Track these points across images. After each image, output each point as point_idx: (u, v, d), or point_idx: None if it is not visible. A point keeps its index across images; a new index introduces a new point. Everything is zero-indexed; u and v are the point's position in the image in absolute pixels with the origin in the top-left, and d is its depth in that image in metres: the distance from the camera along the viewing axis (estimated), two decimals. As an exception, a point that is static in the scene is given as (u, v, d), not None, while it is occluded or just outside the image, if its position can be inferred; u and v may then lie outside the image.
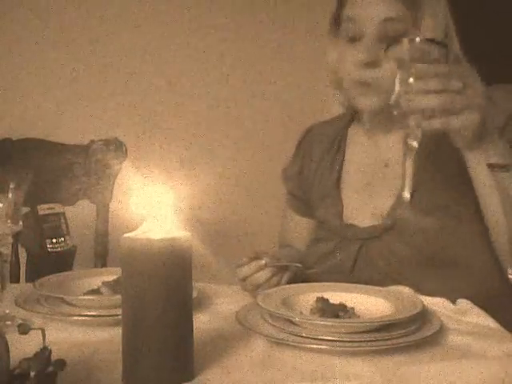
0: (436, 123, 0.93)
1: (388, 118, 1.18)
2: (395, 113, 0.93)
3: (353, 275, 1.20)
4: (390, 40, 1.11)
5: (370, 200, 1.26)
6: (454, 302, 1.06)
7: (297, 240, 1.43)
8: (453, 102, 0.92)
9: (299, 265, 1.19)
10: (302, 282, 1.16)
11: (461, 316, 1.00)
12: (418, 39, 0.92)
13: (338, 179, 1.31)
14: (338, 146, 1.35)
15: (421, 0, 1.14)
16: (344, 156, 1.33)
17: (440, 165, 1.16)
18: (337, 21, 1.24)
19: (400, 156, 1.23)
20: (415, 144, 0.92)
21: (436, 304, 1.03)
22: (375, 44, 1.15)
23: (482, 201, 1.05)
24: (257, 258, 1.13)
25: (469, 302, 1.04)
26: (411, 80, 0.91)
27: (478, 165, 1.00)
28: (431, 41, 0.94)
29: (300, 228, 1.42)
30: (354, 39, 1.18)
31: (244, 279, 1.13)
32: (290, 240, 1.44)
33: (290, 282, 1.14)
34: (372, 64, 1.15)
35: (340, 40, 1.22)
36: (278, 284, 1.12)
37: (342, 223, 1.27)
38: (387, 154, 1.27)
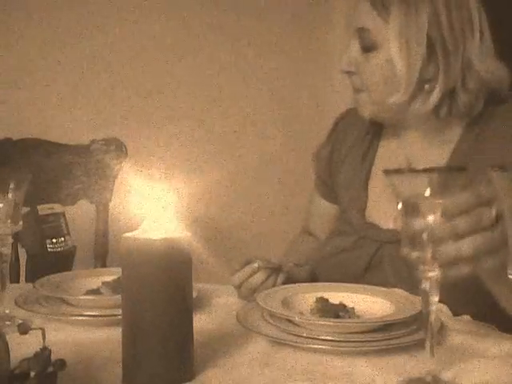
0: (466, 269, 0.74)
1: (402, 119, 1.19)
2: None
3: (364, 277, 1.17)
4: (367, 48, 1.13)
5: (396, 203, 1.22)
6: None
7: (319, 225, 1.41)
8: (486, 242, 0.74)
9: (291, 264, 1.18)
10: (300, 281, 1.15)
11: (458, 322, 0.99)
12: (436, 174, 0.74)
13: (368, 174, 1.28)
14: (372, 139, 1.30)
15: (394, 9, 1.11)
16: (376, 151, 1.29)
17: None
18: None
19: (423, 155, 1.19)
20: (428, 288, 0.73)
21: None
22: (353, 52, 1.15)
23: None
24: (248, 262, 1.12)
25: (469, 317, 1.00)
26: (432, 219, 0.71)
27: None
28: (448, 169, 0.81)
29: (324, 213, 1.40)
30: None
31: (239, 286, 1.12)
32: (312, 225, 1.43)
33: (285, 281, 1.14)
34: (352, 72, 1.17)
35: None
36: (273, 285, 1.11)
37: (363, 220, 1.24)
38: (410, 154, 1.23)
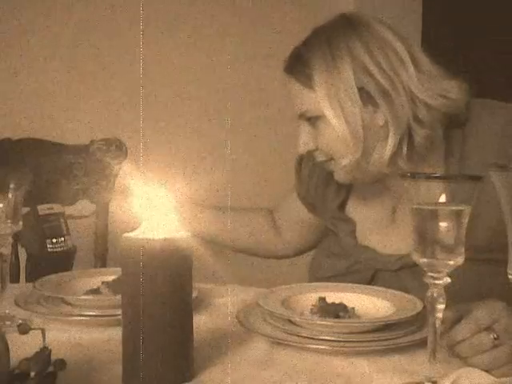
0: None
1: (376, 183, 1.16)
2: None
3: None
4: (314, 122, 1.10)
5: (389, 226, 1.19)
6: None
7: (288, 227, 1.38)
8: (492, 360, 0.80)
9: None
10: None
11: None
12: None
13: (344, 202, 1.25)
14: None
15: (316, 75, 1.08)
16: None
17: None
18: None
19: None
20: (435, 295, 0.72)
21: None
22: (304, 133, 1.13)
23: None
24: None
25: None
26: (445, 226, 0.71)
27: None
28: (464, 177, 0.75)
29: (299, 218, 1.37)
30: None
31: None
32: (278, 220, 1.40)
33: None
34: (311, 151, 1.14)
35: None
36: None
37: (355, 243, 1.20)
38: (394, 199, 1.18)
